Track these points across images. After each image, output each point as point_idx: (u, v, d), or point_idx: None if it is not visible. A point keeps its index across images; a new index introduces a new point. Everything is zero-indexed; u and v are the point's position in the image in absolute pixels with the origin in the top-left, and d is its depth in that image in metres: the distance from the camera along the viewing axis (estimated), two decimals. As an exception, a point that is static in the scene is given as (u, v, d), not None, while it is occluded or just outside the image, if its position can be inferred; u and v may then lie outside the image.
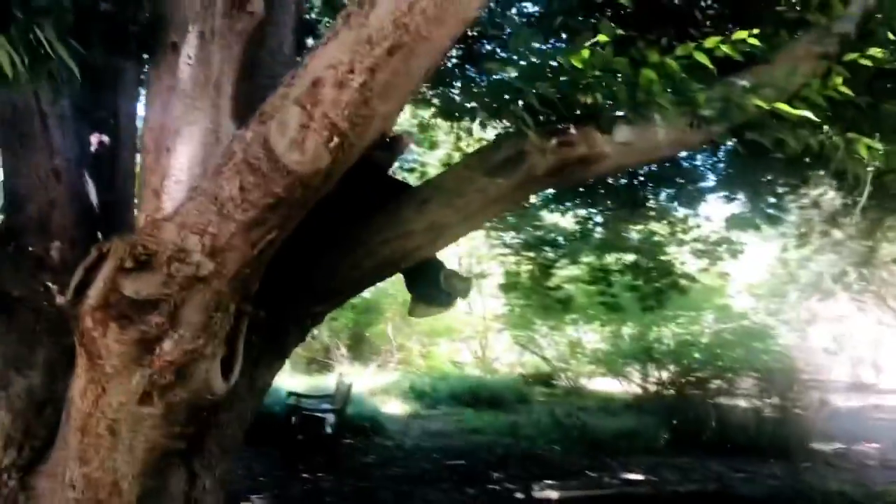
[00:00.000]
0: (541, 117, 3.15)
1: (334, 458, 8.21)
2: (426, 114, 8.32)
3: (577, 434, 9.34)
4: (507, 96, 2.97)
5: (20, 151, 2.70)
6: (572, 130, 2.99)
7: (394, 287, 19.15)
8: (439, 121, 7.97)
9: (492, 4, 4.94)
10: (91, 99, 2.99)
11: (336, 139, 2.04)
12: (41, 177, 2.68)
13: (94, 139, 3.06)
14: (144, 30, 2.42)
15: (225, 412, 2.77)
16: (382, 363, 17.65)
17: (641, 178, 7.34)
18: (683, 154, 7.21)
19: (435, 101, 6.60)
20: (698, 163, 7.42)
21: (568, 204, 8.61)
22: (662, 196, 7.99)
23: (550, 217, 10.16)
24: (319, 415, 8.61)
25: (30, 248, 2.63)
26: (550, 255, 10.21)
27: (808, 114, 2.92)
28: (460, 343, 19.84)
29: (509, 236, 11.65)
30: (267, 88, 3.30)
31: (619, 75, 2.95)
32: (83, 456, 2.29)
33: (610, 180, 7.04)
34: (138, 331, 2.14)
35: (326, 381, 13.34)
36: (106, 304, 2.10)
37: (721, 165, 7.28)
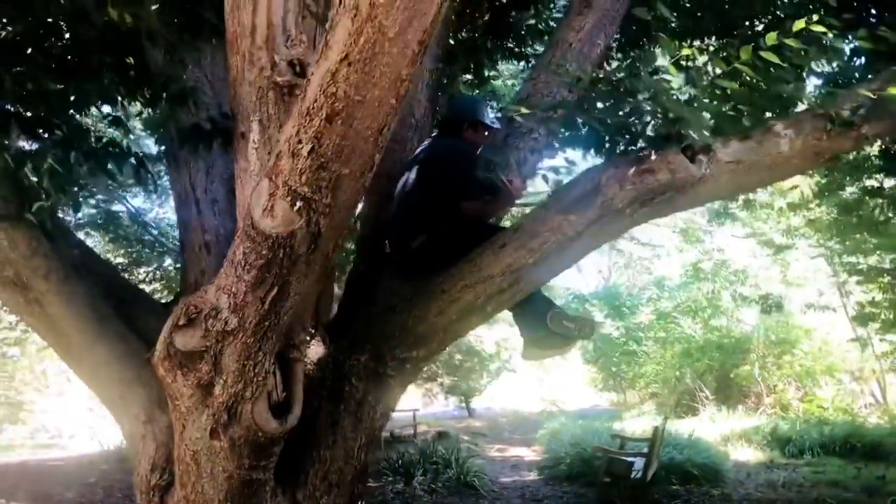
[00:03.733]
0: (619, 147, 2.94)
1: (637, 502, 7.92)
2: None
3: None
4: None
5: (184, 232, 3.40)
6: (652, 156, 2.75)
7: (764, 324, 17.65)
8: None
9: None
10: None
11: (300, 203, 2.25)
12: (196, 251, 3.33)
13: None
14: (218, 124, 2.91)
15: (328, 449, 3.07)
16: (753, 406, 16.25)
17: None
18: None
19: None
20: None
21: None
22: None
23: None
24: (628, 459, 8.39)
25: (187, 309, 3.26)
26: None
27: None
28: (853, 385, 17.35)
29: (860, 261, 10.19)
30: (394, 152, 3.63)
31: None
32: (181, 480, 2.79)
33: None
34: (196, 377, 2.57)
35: (688, 426, 12.77)
36: (167, 355, 2.57)
37: None
